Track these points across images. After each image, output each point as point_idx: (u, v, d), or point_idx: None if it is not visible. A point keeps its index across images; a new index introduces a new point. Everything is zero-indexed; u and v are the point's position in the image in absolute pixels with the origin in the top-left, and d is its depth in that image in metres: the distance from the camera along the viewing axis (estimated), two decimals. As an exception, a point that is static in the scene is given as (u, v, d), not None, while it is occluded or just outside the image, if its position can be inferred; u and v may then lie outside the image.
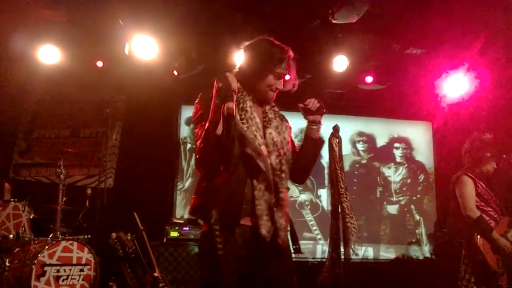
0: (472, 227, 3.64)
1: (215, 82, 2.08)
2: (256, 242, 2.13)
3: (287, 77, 2.36)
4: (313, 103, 2.34)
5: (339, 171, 2.48)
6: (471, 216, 3.64)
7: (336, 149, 2.47)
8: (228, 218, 2.09)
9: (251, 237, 2.13)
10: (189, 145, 6.94)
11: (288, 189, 2.32)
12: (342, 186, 2.49)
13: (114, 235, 4.75)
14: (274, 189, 2.19)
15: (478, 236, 3.61)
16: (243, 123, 2.19)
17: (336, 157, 2.47)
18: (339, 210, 2.51)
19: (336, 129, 2.45)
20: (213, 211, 2.07)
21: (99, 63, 5.83)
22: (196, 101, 2.33)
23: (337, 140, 2.46)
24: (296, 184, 2.45)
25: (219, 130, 2.04)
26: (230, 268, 2.04)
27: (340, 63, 5.90)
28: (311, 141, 2.41)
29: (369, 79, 6.48)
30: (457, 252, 3.77)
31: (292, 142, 2.44)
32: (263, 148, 2.21)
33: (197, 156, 2.19)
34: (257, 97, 2.34)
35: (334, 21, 4.23)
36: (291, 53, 2.33)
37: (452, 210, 3.83)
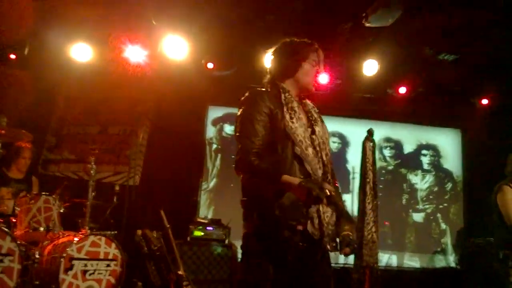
0: None
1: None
2: (305, 242, 2.14)
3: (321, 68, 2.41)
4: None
5: (371, 176, 2.46)
6: None
7: (370, 152, 2.46)
8: (288, 217, 2.11)
9: (301, 237, 2.14)
10: (214, 146, 6.97)
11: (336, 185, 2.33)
12: (371, 192, 2.47)
13: (139, 232, 4.79)
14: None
15: None
16: (292, 122, 2.21)
17: (369, 160, 2.45)
18: (365, 216, 2.49)
19: (370, 132, 2.43)
20: (276, 210, 2.09)
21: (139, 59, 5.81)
22: (242, 101, 2.31)
23: (371, 143, 2.45)
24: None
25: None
26: (291, 265, 2.08)
27: (370, 67, 5.85)
28: None
29: (402, 90, 6.44)
30: (488, 264, 3.67)
31: None
32: (310, 150, 2.22)
33: (237, 169, 2.21)
34: (300, 89, 2.37)
35: (367, 25, 4.17)
36: (317, 45, 2.39)
37: (495, 221, 3.73)
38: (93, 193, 4.48)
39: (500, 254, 3.62)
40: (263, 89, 2.36)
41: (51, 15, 5.34)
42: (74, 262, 3.94)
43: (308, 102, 2.46)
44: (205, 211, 6.66)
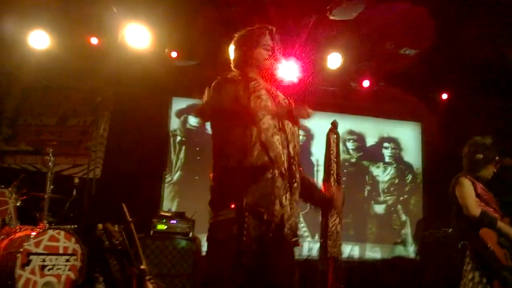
0: (476, 225, 3.61)
1: None
2: (264, 229, 2.14)
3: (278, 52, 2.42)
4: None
5: (335, 168, 2.47)
6: (475, 214, 3.60)
7: (334, 144, 2.47)
8: (255, 204, 2.10)
9: (266, 226, 2.14)
10: (178, 138, 6.87)
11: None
12: (335, 184, 2.49)
13: (100, 226, 4.68)
14: (288, 177, 2.22)
15: (483, 233, 3.56)
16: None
17: (333, 152, 2.47)
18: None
19: (334, 124, 2.44)
20: (242, 198, 2.04)
21: (94, 40, 5.69)
22: (212, 87, 2.32)
23: (335, 136, 2.46)
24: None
25: None
26: (249, 256, 2.04)
27: (334, 60, 5.89)
28: None
29: (366, 83, 6.52)
30: (447, 255, 3.74)
31: None
32: (276, 138, 2.22)
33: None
34: (262, 76, 2.39)
35: (331, 18, 4.20)
36: (270, 27, 2.43)
37: (454, 212, 3.81)
38: (52, 186, 4.35)
39: (459, 244, 3.69)
40: (233, 77, 2.36)
41: (7, 2, 5.11)
42: (32, 257, 3.83)
43: (280, 93, 2.47)
44: (169, 204, 6.57)
